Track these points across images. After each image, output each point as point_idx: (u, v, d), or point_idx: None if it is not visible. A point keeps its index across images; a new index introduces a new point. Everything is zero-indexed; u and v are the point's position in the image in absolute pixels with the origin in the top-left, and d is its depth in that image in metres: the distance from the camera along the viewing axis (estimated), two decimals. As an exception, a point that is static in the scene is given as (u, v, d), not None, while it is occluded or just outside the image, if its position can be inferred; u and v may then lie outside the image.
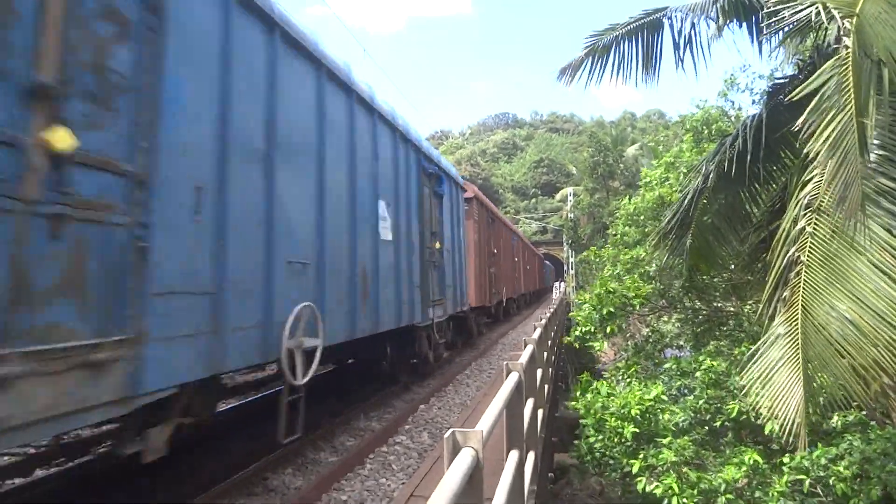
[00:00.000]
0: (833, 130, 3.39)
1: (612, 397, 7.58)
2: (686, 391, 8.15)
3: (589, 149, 39.33)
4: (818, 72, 3.74)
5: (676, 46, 6.20)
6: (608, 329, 10.05)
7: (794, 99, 3.74)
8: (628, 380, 8.66)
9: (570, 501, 12.23)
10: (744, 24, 6.40)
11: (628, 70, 6.38)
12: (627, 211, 12.41)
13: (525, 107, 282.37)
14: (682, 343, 11.60)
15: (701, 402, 7.38)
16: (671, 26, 6.17)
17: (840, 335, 3.73)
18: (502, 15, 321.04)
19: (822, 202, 3.92)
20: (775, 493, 5.60)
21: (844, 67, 3.59)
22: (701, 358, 8.09)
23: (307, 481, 4.88)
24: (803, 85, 3.76)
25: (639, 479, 6.28)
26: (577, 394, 8.05)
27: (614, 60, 6.41)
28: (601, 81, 6.49)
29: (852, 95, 3.35)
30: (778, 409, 3.94)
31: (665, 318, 12.96)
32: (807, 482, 5.62)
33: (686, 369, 8.29)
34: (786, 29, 4.82)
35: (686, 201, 6.21)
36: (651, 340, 11.64)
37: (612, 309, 9.93)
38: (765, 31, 5.34)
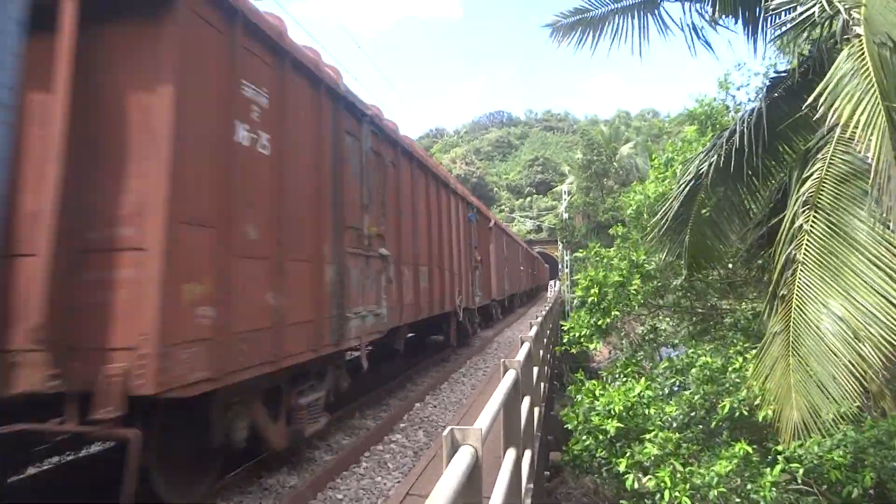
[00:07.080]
0: (864, 111, 3.40)
1: (598, 398, 7.57)
2: (680, 388, 8.13)
3: (582, 147, 39.27)
4: (837, 61, 3.74)
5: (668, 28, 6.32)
6: (599, 322, 10.07)
7: (796, 91, 3.73)
8: (624, 378, 8.64)
9: (564, 499, 12.24)
10: (739, 21, 6.41)
11: (622, 44, 6.56)
12: (638, 201, 11.89)
13: (520, 105, 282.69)
14: (677, 342, 11.53)
15: (696, 397, 7.37)
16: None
17: (830, 332, 3.77)
18: (491, 16, 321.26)
19: (820, 199, 3.91)
20: (767, 483, 5.57)
21: (860, 54, 3.61)
22: (692, 353, 8.08)
23: (302, 480, 4.85)
24: (830, 71, 3.75)
25: (626, 476, 6.28)
26: (567, 407, 8.02)
27: (608, 33, 6.61)
28: (594, 50, 6.67)
29: (874, 79, 3.36)
30: (775, 403, 4.00)
31: (661, 317, 12.88)
32: (800, 471, 5.61)
33: (679, 366, 8.27)
34: (787, 25, 4.81)
35: (682, 195, 6.16)
36: (647, 339, 11.58)
37: (607, 317, 10.00)
38: (763, 30, 5.34)
